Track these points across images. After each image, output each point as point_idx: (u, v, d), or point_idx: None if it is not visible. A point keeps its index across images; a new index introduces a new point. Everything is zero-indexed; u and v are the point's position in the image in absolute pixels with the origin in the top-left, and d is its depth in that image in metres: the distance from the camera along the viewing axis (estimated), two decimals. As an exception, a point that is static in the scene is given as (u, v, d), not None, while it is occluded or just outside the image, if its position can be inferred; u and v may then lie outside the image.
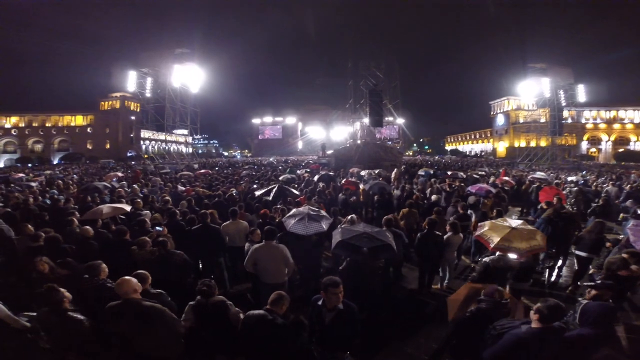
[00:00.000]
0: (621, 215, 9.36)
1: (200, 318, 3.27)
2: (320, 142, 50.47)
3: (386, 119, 42.03)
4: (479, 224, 5.42)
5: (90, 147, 61.87)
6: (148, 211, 7.23)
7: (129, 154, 57.41)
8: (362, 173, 16.16)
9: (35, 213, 7.09)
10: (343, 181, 12.47)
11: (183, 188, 11.25)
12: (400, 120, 58.82)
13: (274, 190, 8.22)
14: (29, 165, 45.19)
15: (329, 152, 37.16)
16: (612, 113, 60.72)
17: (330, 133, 69.71)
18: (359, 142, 33.02)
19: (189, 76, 39.30)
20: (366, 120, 32.15)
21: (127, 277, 3.05)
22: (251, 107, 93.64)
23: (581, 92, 42.94)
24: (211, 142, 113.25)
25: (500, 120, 69.81)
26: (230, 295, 5.17)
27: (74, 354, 2.93)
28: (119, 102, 60.56)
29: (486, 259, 4.54)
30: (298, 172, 19.37)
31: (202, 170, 20.40)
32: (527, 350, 2.61)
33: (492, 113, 72.78)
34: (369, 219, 10.27)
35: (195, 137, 66.02)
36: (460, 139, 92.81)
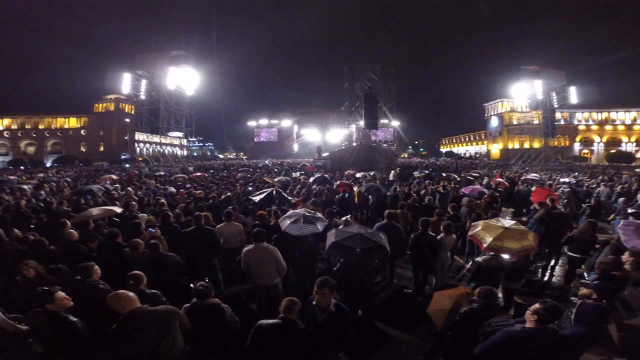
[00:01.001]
0: (612, 215, 9.50)
1: (196, 321, 3.26)
2: (316, 144, 50.44)
3: (381, 121, 42.13)
4: (472, 223, 5.46)
5: (84, 150, 61.40)
6: (145, 214, 7.19)
7: (123, 157, 56.97)
8: (358, 175, 16.23)
9: (26, 215, 7.02)
10: (337, 183, 12.51)
11: (174, 190, 11.20)
12: (396, 123, 59.02)
13: (267, 193, 8.20)
14: (21, 167, 44.62)
15: (325, 154, 37.19)
16: (604, 115, 61.67)
17: (326, 135, 69.76)
18: (354, 144, 33.13)
19: (185, 79, 39.12)
20: (361, 123, 32.25)
21: (114, 295, 2.83)
22: (247, 110, 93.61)
23: (573, 94, 43.38)
24: (206, 144, 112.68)
25: (494, 122, 70.51)
26: (225, 297, 5.16)
27: (62, 356, 2.89)
28: (114, 105, 60.20)
29: (478, 259, 4.58)
30: (294, 174, 19.40)
31: (197, 173, 20.31)
32: (516, 348, 2.63)
33: (486, 115, 73.51)
34: (364, 220, 10.33)
35: (191, 139, 65.60)
36: (455, 141, 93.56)
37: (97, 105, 61.85)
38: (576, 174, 22.52)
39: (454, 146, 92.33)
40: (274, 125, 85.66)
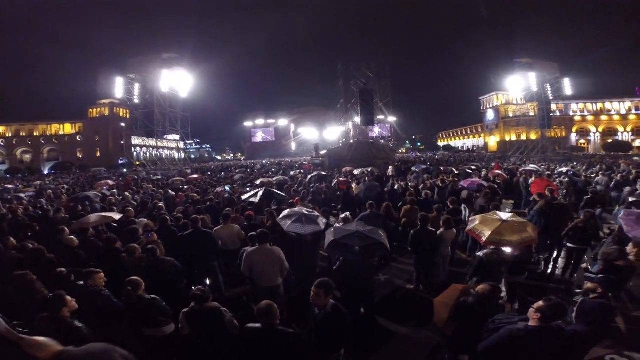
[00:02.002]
0: (617, 207, 9.38)
1: (195, 325, 3.22)
2: (313, 142, 50.35)
3: (378, 117, 42.19)
4: (470, 218, 5.42)
5: (81, 156, 60.90)
6: (145, 219, 7.11)
7: (120, 162, 56.59)
8: (356, 172, 16.19)
9: (24, 224, 6.95)
10: (336, 181, 12.47)
11: (174, 194, 11.13)
12: (392, 119, 59.18)
13: (260, 193, 8.07)
14: (19, 175, 44.35)
15: (323, 152, 37.11)
16: (599, 105, 61.78)
17: (324, 133, 69.68)
18: (351, 141, 33.09)
19: (178, 81, 38.99)
20: (358, 120, 32.23)
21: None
22: (243, 110, 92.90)
23: (567, 86, 43.59)
24: (204, 146, 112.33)
25: (490, 115, 70.47)
26: (226, 299, 5.12)
27: None
28: (108, 109, 59.65)
29: (480, 254, 4.54)
30: (291, 173, 19.36)
31: (195, 175, 20.22)
32: (520, 347, 2.59)
33: (482, 108, 73.43)
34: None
35: (187, 142, 65.44)
36: (452, 135, 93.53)
37: (91, 110, 61.29)
38: (574, 163, 22.53)
39: (451, 140, 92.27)
40: (270, 124, 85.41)
